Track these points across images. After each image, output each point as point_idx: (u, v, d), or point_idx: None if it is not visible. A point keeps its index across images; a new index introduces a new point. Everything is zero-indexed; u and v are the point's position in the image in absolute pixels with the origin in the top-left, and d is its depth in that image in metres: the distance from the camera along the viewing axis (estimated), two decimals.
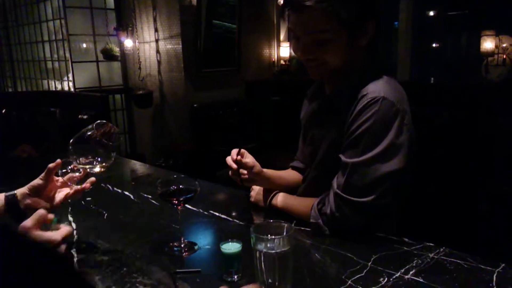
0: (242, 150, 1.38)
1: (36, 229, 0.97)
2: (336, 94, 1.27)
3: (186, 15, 4.12)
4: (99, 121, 1.12)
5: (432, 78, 4.16)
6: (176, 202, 1.12)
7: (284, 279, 0.89)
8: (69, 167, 1.19)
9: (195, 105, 4.21)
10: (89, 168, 1.14)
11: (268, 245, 0.88)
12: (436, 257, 1.07)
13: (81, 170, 1.18)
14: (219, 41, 4.47)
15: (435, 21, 4.22)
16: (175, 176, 1.18)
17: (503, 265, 1.01)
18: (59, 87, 5.26)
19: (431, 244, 1.13)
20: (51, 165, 1.13)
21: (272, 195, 1.41)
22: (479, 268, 1.01)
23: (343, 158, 1.17)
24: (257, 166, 1.38)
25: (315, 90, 1.44)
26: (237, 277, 0.99)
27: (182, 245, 1.14)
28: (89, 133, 1.10)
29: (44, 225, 1.02)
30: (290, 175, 1.54)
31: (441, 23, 4.19)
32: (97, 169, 1.14)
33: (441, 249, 1.10)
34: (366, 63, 1.24)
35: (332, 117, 1.27)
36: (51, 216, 1.04)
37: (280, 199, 1.38)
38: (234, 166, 1.36)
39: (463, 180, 1.97)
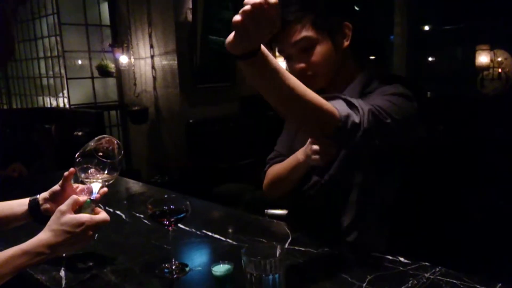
0: None
1: (70, 212, 1.01)
2: (349, 93, 1.27)
3: (182, 31, 4.13)
4: (101, 135, 1.15)
5: (428, 92, 4.17)
6: (167, 223, 1.10)
7: None
8: (89, 171, 1.17)
9: (190, 121, 4.20)
10: (94, 181, 1.14)
11: (260, 267, 0.86)
12: (432, 277, 1.05)
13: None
14: (214, 57, 4.48)
15: (430, 35, 4.25)
16: (166, 196, 1.16)
17: (500, 284, 0.99)
18: (54, 103, 5.25)
19: (427, 263, 1.11)
20: (66, 173, 1.17)
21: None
22: None
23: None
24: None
25: None
26: None
27: (173, 267, 1.12)
28: (92, 146, 1.12)
29: (79, 209, 1.06)
30: None
31: (436, 37, 4.22)
32: (99, 184, 1.14)
33: (437, 269, 1.08)
34: (359, 65, 1.34)
35: None
36: (84, 198, 1.07)
37: None
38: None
39: (457, 194, 1.96)
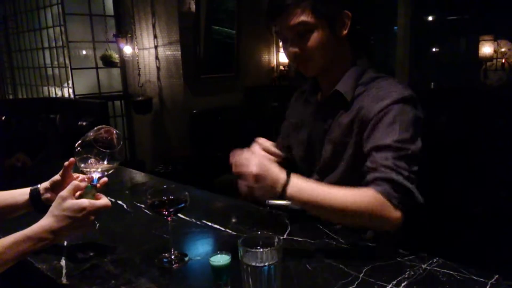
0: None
1: (71, 197, 1.03)
2: (342, 87, 1.31)
3: (185, 21, 4.12)
4: (100, 125, 1.16)
5: (432, 83, 4.14)
6: (166, 213, 1.11)
7: None
8: (89, 161, 1.18)
9: (194, 111, 4.21)
10: (93, 171, 1.15)
11: (256, 258, 0.87)
12: (429, 268, 1.05)
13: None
14: (218, 47, 4.47)
15: (433, 25, 4.22)
16: (165, 186, 1.16)
17: (497, 276, 1.00)
18: (59, 93, 5.27)
19: (424, 254, 1.12)
20: (66, 163, 1.18)
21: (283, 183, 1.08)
22: (472, 280, 0.99)
23: (384, 141, 1.17)
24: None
25: (311, 87, 1.47)
26: None
27: (172, 257, 1.13)
28: (91, 136, 1.12)
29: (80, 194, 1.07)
30: None
31: (440, 28, 4.18)
32: (99, 174, 1.15)
33: (434, 260, 1.09)
34: (355, 57, 1.34)
35: (337, 112, 1.32)
36: (84, 184, 1.09)
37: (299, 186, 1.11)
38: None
39: (460, 185, 1.95)
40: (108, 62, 4.65)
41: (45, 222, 1.00)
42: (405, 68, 3.99)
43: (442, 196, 1.81)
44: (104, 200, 1.08)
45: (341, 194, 1.10)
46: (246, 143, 1.54)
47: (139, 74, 4.61)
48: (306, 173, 1.37)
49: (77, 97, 4.67)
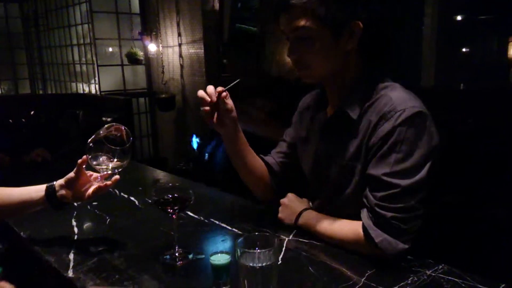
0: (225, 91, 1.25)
1: None
2: (347, 104, 1.21)
3: (209, 19, 4.14)
4: (110, 123, 1.20)
5: (461, 84, 4.04)
6: (171, 210, 1.12)
7: None
8: (100, 158, 1.21)
9: None
10: (103, 168, 1.19)
11: (253, 258, 0.87)
12: (433, 274, 1.03)
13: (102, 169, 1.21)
14: (241, 45, 4.48)
15: (461, 26, 4.12)
16: (170, 184, 1.18)
17: (503, 285, 0.97)
18: (86, 89, 5.39)
19: (430, 261, 1.10)
20: (79, 160, 1.20)
21: (298, 213, 1.30)
22: None
23: (377, 172, 1.10)
24: (234, 111, 1.28)
25: (315, 101, 1.39)
26: None
27: (177, 254, 1.14)
28: (102, 134, 1.16)
29: None
30: (260, 161, 1.45)
31: (468, 28, 4.08)
32: (110, 170, 1.19)
33: (440, 266, 1.07)
34: (364, 70, 1.22)
35: (344, 132, 1.22)
36: None
37: (311, 218, 1.28)
38: (214, 98, 1.22)
39: (484, 189, 1.90)
40: (133, 59, 4.72)
41: None
42: (431, 69, 3.91)
43: (463, 200, 1.78)
44: None
45: (337, 229, 1.20)
46: (267, 143, 1.54)
47: (163, 72, 4.67)
48: (316, 187, 1.35)
49: (102, 93, 4.76)
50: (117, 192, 1.69)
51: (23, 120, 3.92)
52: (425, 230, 1.30)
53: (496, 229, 1.60)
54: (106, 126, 1.18)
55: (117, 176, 1.22)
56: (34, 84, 6.51)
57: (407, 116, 1.08)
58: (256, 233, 0.92)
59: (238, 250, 0.87)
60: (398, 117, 1.09)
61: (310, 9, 1.12)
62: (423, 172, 1.08)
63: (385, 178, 1.08)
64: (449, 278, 1.01)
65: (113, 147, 1.16)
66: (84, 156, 1.19)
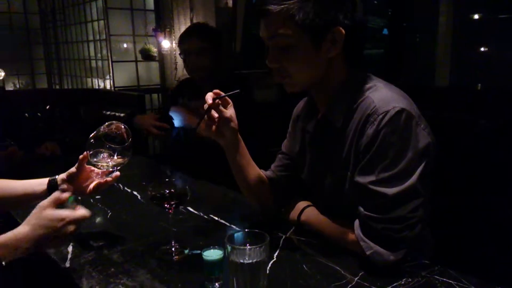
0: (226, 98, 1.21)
1: (51, 207, 1.01)
2: (330, 112, 1.18)
3: (222, 16, 4.15)
4: (111, 121, 1.22)
5: (479, 84, 3.98)
6: (168, 206, 1.13)
7: None
8: (101, 155, 1.22)
9: None
10: (103, 165, 1.21)
11: (243, 255, 0.87)
12: (428, 275, 1.02)
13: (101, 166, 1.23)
14: (254, 43, 4.48)
15: (478, 24, 4.04)
16: (167, 180, 1.19)
17: None
18: (102, 85, 5.44)
19: (426, 262, 1.09)
20: (80, 156, 1.22)
21: (301, 210, 1.30)
22: None
23: (363, 180, 1.07)
24: (235, 122, 1.21)
25: (306, 110, 1.34)
26: (218, 284, 0.98)
27: (173, 249, 1.15)
28: (102, 131, 1.17)
29: (61, 205, 1.05)
30: (261, 175, 1.39)
31: (486, 27, 4.01)
32: (110, 167, 1.21)
33: (436, 268, 1.05)
34: (348, 75, 1.18)
35: (332, 140, 1.20)
36: (66, 195, 1.06)
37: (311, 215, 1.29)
38: (210, 101, 1.15)
39: (496, 190, 1.87)
40: (146, 55, 4.75)
41: (21, 230, 0.98)
42: (446, 68, 3.85)
43: (474, 201, 1.75)
44: (83, 211, 1.06)
45: (332, 230, 1.20)
46: (280, 139, 1.53)
47: (176, 68, 4.68)
48: (315, 196, 1.33)
49: (116, 89, 4.80)
50: (121, 186, 1.71)
51: (39, 114, 3.99)
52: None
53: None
54: (106, 123, 1.20)
55: (117, 173, 1.24)
56: (51, 79, 6.60)
57: (390, 118, 1.03)
58: (247, 230, 0.92)
59: (228, 247, 0.88)
60: (381, 120, 1.04)
61: (289, 15, 1.06)
62: (414, 177, 1.02)
63: (371, 187, 1.04)
64: (444, 279, 1.00)
65: (113, 145, 1.18)
66: (85, 152, 1.21)
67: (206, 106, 1.16)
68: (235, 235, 0.92)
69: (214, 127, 1.18)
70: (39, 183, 1.27)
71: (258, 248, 0.87)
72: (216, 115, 1.16)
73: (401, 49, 3.80)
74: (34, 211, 1.01)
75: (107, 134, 1.18)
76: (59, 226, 0.99)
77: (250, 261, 0.86)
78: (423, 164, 1.05)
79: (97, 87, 5.53)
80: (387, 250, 1.03)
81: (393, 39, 3.91)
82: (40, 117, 3.93)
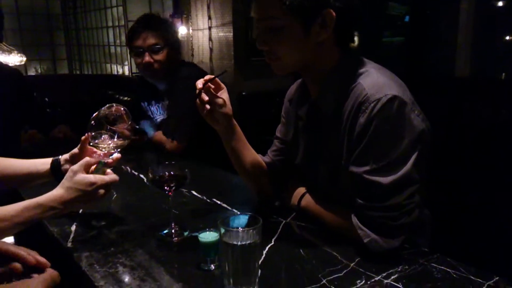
0: (219, 82, 1.23)
1: (82, 172, 1.08)
2: (321, 98, 1.17)
3: (238, 3, 4.13)
4: (111, 103, 1.22)
5: (503, 74, 3.88)
6: (167, 188, 1.14)
7: (248, 272, 0.88)
8: (102, 137, 1.24)
9: (243, 93, 4.23)
10: (104, 147, 1.21)
11: (236, 237, 0.87)
12: (426, 263, 1.01)
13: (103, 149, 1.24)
14: None
15: (501, 12, 3.93)
16: (166, 162, 1.19)
17: (497, 278, 0.94)
18: (120, 71, 5.50)
19: (425, 250, 1.08)
20: (83, 137, 1.25)
21: (301, 195, 1.30)
22: (468, 279, 0.94)
23: (358, 170, 1.05)
24: (228, 107, 1.22)
25: (298, 93, 1.32)
26: (214, 266, 0.99)
27: (172, 231, 1.17)
28: (103, 113, 1.18)
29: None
30: (258, 160, 1.38)
31: (508, 14, 3.89)
32: (110, 149, 1.21)
33: (434, 256, 1.04)
34: (340, 59, 1.15)
35: (324, 128, 1.19)
36: (94, 160, 1.13)
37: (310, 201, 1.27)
38: (200, 85, 1.18)
39: (484, 183, 1.84)
40: None
41: (57, 192, 1.06)
42: (467, 57, 3.77)
43: (489, 192, 1.72)
44: (112, 176, 1.13)
45: (331, 218, 1.19)
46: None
47: (192, 55, 4.69)
48: (310, 183, 1.31)
49: (133, 75, 4.84)
50: (129, 169, 1.73)
51: (59, 99, 4.06)
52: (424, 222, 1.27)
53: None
54: (107, 105, 1.20)
55: (118, 155, 1.24)
56: (72, 65, 6.69)
57: (382, 106, 1.01)
58: (239, 213, 0.92)
59: (222, 229, 0.88)
60: (373, 109, 1.01)
61: None
62: (408, 165, 1.01)
63: (366, 176, 1.03)
64: (441, 267, 0.99)
65: (114, 127, 1.18)
66: (87, 133, 1.22)
67: (199, 86, 1.19)
68: (230, 218, 0.92)
69: (205, 111, 1.19)
70: (43, 163, 1.30)
71: (250, 230, 0.87)
72: (206, 98, 1.18)
73: (424, 38, 3.72)
74: (67, 175, 1.08)
75: (108, 116, 1.18)
76: (90, 190, 1.06)
77: (243, 243, 0.86)
78: (417, 151, 1.03)
79: (116, 73, 5.58)
80: (385, 238, 1.03)
81: (414, 27, 3.84)
82: (59, 102, 3.99)
